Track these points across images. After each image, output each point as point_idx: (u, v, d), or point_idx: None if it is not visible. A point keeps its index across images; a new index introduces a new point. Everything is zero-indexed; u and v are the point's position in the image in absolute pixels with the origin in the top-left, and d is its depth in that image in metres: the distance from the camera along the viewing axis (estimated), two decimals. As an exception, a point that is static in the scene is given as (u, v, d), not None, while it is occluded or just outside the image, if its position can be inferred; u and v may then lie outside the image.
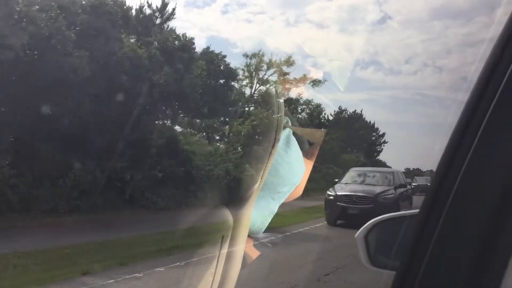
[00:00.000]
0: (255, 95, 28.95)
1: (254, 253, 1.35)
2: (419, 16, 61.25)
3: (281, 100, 1.55)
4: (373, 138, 57.98)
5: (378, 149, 57.98)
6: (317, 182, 33.99)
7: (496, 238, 0.82)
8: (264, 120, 24.82)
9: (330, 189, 15.86)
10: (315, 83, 27.20)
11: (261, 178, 1.31)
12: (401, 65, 63.92)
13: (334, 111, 52.64)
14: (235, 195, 16.63)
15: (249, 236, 1.30)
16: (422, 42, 61.13)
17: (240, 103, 27.18)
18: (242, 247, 1.30)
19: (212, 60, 22.64)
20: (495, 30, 0.86)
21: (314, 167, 1.49)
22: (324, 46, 50.46)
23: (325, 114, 52.78)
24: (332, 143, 41.57)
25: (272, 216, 1.33)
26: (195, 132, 27.86)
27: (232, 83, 25.31)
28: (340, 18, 54.21)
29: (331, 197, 15.19)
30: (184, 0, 42.86)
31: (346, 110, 51.85)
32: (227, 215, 1.34)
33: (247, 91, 29.30)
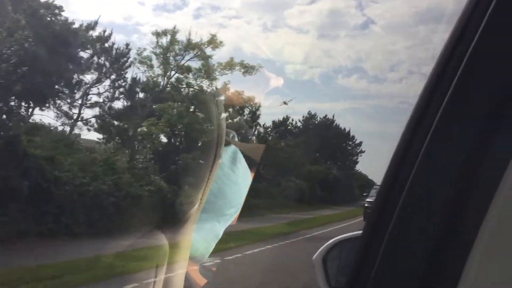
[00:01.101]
0: (168, 86, 26.07)
1: (201, 280, 1.36)
2: (404, 21, 64.01)
3: (221, 98, 1.58)
4: (348, 147, 58.23)
5: (355, 159, 58.27)
6: (274, 198, 33.61)
7: (447, 251, 0.86)
8: (192, 121, 23.67)
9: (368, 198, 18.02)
10: (248, 70, 25.18)
11: (201, 199, 1.32)
12: (386, 73, 66.23)
13: (303, 117, 52.90)
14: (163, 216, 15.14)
15: (191, 261, 1.32)
16: (407, 48, 63.68)
17: (149, 95, 24.99)
18: (182, 273, 1.32)
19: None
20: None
21: (269, 180, 1.48)
22: (304, 52, 52.42)
23: (292, 120, 53.26)
24: (294, 153, 41.64)
25: (217, 241, 1.36)
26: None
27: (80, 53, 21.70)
28: (321, 23, 55.79)
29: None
30: (153, 4, 44.79)
31: (315, 115, 52.05)
32: (161, 239, 1.38)
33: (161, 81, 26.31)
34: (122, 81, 25.30)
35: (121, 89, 25.07)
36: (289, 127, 54.16)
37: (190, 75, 25.10)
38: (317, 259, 1.95)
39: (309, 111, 54.25)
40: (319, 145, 50.85)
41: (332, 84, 65.26)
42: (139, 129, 23.52)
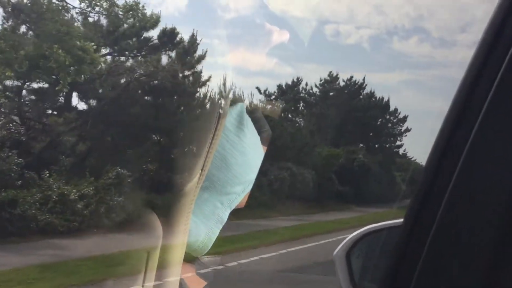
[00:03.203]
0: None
1: (199, 284, 1.43)
2: (478, -36, 61.36)
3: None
4: (388, 124, 52.88)
5: (396, 142, 52.87)
6: (261, 190, 29.10)
7: (506, 249, 0.91)
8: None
9: None
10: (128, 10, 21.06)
11: (201, 172, 1.31)
12: (456, 34, 65.28)
13: (321, 80, 48.30)
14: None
15: (187, 259, 1.34)
16: (482, 2, 60.33)
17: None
18: (175, 281, 1.37)
19: None
20: None
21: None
22: (349, 8, 53.63)
23: (306, 85, 48.77)
24: (297, 130, 39.62)
25: (220, 227, 1.35)
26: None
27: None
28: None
29: None
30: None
31: (337, 77, 47.07)
32: (155, 224, 1.43)
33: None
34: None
35: None
36: (301, 94, 49.75)
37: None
38: (339, 255, 2.12)
39: (330, 72, 49.13)
40: (342, 119, 46.14)
41: (385, 50, 65.22)
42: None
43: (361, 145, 50.25)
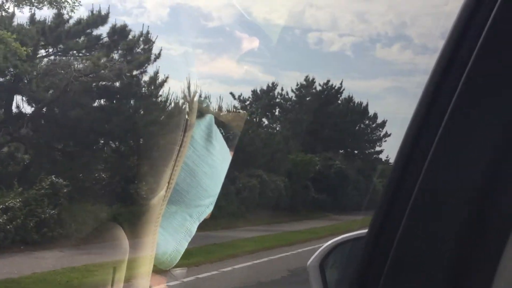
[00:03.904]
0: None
1: None
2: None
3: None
4: (366, 130, 51.41)
5: (375, 148, 51.42)
6: (227, 199, 27.34)
7: (471, 257, 0.92)
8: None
9: None
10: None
11: (168, 185, 1.32)
12: (438, 41, 65.62)
13: (297, 84, 46.62)
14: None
15: (156, 271, 1.34)
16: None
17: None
18: None
19: None
20: None
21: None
22: (332, 16, 53.48)
23: (282, 89, 47.17)
24: (270, 136, 38.38)
25: (189, 240, 1.36)
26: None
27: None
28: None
29: None
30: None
31: (314, 81, 45.46)
32: (120, 237, 1.43)
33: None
34: None
35: None
36: (277, 99, 48.01)
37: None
38: (312, 266, 2.07)
39: (307, 76, 47.39)
40: (319, 125, 44.60)
41: (368, 57, 64.55)
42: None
43: (341, 151, 48.78)
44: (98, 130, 21.32)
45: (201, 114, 1.39)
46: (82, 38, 22.78)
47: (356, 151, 51.53)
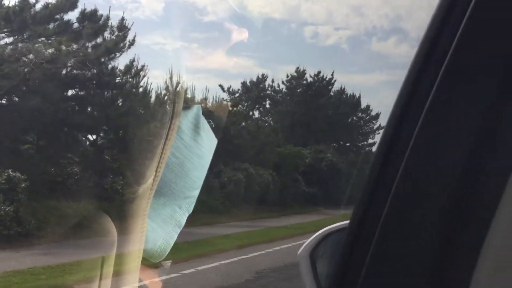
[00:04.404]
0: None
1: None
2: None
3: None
4: (359, 122, 50.30)
5: (368, 140, 50.31)
6: (211, 193, 26.23)
7: (451, 248, 0.93)
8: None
9: None
10: None
11: (155, 174, 1.30)
12: None
13: (288, 76, 45.41)
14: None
15: (145, 263, 1.31)
16: None
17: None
18: (134, 286, 1.34)
19: None
20: None
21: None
22: (327, 10, 53.41)
23: (272, 81, 45.93)
24: (258, 129, 36.82)
25: (179, 231, 1.36)
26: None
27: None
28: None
29: None
30: None
31: (304, 72, 44.06)
32: (109, 229, 1.41)
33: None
34: None
35: None
36: (267, 91, 46.70)
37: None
38: (302, 255, 2.02)
39: (298, 68, 46.07)
40: (310, 117, 43.38)
41: (364, 51, 63.30)
42: None
43: (334, 144, 47.60)
44: (67, 122, 19.88)
45: (187, 105, 1.38)
46: (52, 25, 21.34)
47: (348, 144, 50.30)
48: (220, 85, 45.16)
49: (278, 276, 12.76)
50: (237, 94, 45.96)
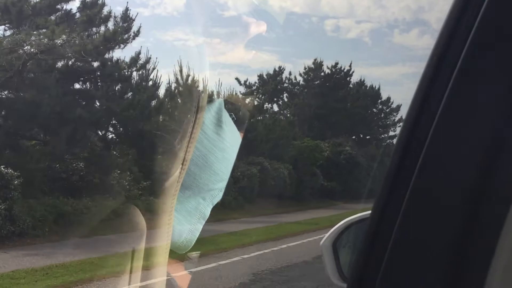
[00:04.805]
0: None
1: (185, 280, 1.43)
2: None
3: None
4: (380, 114, 49.21)
5: (389, 133, 49.20)
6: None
7: (470, 241, 0.92)
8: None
9: None
10: None
11: (181, 169, 1.32)
12: None
13: (305, 68, 44.36)
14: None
15: (172, 255, 1.33)
16: None
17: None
18: (163, 279, 1.38)
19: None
20: None
21: None
22: (348, 2, 52.95)
23: (290, 74, 44.98)
24: (274, 122, 35.37)
25: (203, 223, 1.37)
26: None
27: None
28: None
29: None
30: None
31: (322, 64, 42.95)
32: (139, 221, 1.44)
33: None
34: None
35: None
36: (284, 84, 45.70)
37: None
38: (325, 245, 2.02)
39: (315, 59, 45.00)
40: (328, 110, 42.48)
41: (385, 43, 64.57)
42: None
43: (353, 137, 46.56)
44: (70, 116, 19.03)
45: (210, 98, 1.41)
46: (53, 16, 20.52)
47: (368, 137, 49.18)
48: (236, 78, 44.34)
49: (277, 279, 11.74)
50: (254, 87, 45.06)
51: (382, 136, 50.20)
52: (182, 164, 1.29)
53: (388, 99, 49.71)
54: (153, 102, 27.72)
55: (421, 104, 0.99)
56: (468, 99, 0.96)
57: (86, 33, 18.71)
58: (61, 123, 19.12)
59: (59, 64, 18.34)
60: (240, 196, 27.61)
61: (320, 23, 60.81)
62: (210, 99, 1.40)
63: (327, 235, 1.99)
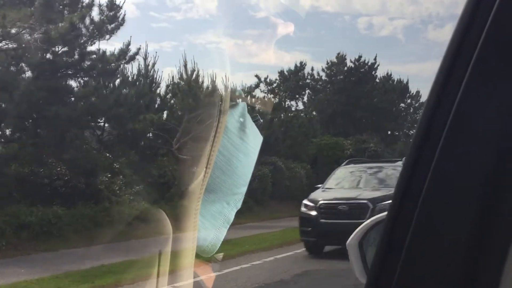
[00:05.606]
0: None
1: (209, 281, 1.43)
2: None
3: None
4: (408, 109, 46.57)
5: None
6: None
7: (485, 242, 0.91)
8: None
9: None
10: None
11: (205, 172, 1.35)
12: None
13: (328, 63, 41.92)
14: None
15: (198, 258, 1.36)
16: None
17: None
18: (190, 282, 1.38)
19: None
20: None
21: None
22: (381, 0, 52.89)
23: (312, 69, 42.62)
24: (292, 118, 33.18)
25: (228, 227, 1.39)
26: None
27: None
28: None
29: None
30: None
31: (345, 58, 40.39)
32: (164, 223, 1.44)
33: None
34: None
35: None
36: (307, 80, 43.34)
37: None
38: (351, 244, 2.03)
39: (338, 53, 42.48)
40: (351, 105, 39.93)
41: (420, 39, 63.64)
42: None
43: (380, 133, 43.98)
44: (46, 115, 17.00)
45: (233, 102, 1.40)
46: (35, 5, 18.53)
47: (397, 133, 46.40)
48: (256, 75, 42.03)
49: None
50: (275, 84, 42.77)
51: (412, 132, 47.35)
52: (206, 168, 1.29)
53: (417, 92, 46.95)
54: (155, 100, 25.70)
55: (435, 103, 0.98)
56: (484, 94, 0.94)
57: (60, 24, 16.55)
58: (35, 122, 17.13)
59: (28, 55, 16.22)
60: (250, 198, 25.09)
61: (353, 21, 60.52)
62: (233, 102, 1.37)
63: (353, 234, 1.94)
